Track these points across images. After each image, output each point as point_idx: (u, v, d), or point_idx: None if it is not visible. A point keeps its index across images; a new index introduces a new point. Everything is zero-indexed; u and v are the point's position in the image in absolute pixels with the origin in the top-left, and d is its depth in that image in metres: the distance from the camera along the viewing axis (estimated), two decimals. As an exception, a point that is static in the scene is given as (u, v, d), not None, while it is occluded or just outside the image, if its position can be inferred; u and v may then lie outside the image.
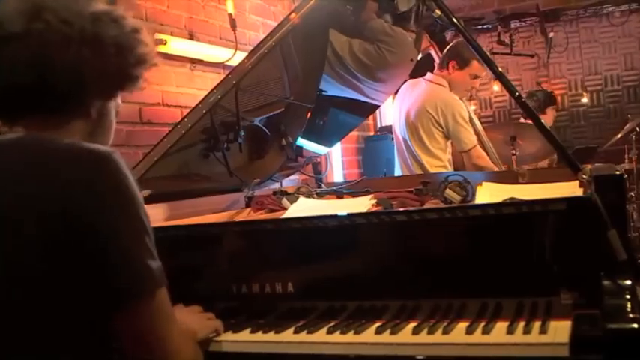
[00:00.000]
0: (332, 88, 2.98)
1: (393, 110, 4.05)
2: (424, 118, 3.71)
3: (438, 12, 2.29)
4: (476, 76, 3.82)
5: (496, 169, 3.65)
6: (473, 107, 3.96)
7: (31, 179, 1.19)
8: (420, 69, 3.81)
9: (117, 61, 1.31)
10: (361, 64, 2.94)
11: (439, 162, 3.72)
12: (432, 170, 3.65)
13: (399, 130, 3.90)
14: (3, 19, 1.25)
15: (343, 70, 2.94)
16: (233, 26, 3.84)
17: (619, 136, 5.13)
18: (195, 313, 1.64)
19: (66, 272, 1.17)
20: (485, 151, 3.80)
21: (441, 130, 3.69)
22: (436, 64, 3.94)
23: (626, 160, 4.91)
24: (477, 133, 3.80)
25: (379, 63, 2.96)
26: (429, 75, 3.89)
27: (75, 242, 1.16)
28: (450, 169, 3.73)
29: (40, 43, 1.24)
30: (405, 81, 3.89)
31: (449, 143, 3.77)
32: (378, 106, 3.88)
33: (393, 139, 5.20)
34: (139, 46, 1.36)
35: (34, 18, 1.24)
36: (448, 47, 3.89)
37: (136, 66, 1.36)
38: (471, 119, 3.76)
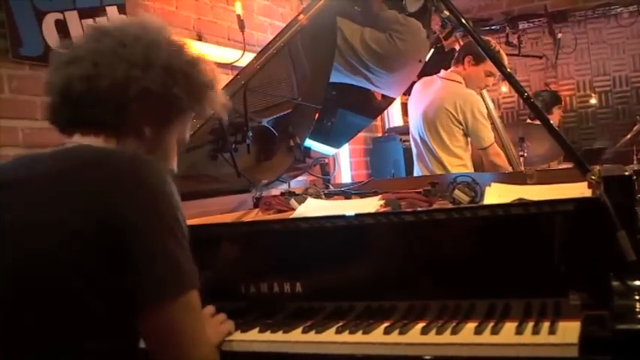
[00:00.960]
0: (342, 77, 2.97)
1: (409, 110, 4.01)
2: (443, 117, 3.67)
3: (447, 12, 2.29)
4: (490, 74, 3.77)
5: (510, 170, 3.63)
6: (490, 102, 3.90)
7: (76, 180, 1.25)
8: (433, 66, 3.79)
9: (164, 82, 1.36)
10: (372, 52, 2.93)
11: (460, 160, 3.68)
12: (453, 169, 3.61)
13: (417, 131, 3.85)
14: (74, 44, 1.39)
15: (354, 58, 2.92)
16: (241, 27, 3.85)
17: (628, 137, 5.11)
18: (208, 318, 1.63)
19: (101, 267, 1.20)
20: (504, 148, 3.77)
21: (461, 127, 3.65)
22: None
23: (635, 161, 4.88)
24: (496, 130, 3.78)
25: (390, 51, 2.94)
26: (442, 72, 3.85)
27: (113, 238, 1.19)
28: (471, 168, 3.71)
29: (93, 61, 1.33)
30: (415, 82, 3.87)
31: (469, 140, 3.73)
32: (386, 107, 3.88)
33: (401, 140, 5.23)
34: (193, 74, 1.41)
35: (95, 41, 1.36)
36: (464, 43, 3.87)
37: (187, 92, 1.40)
38: (490, 114, 3.73)
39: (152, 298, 1.23)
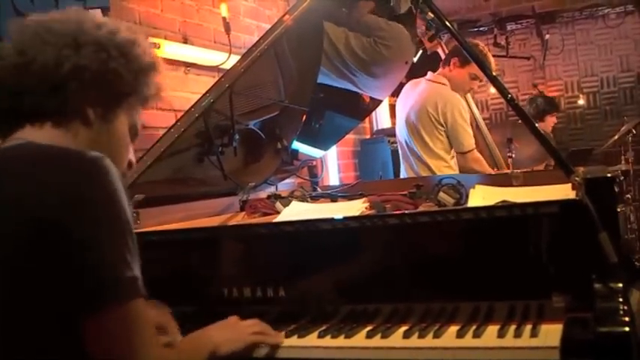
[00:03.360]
0: (327, 79, 2.96)
1: (396, 113, 4.01)
2: (425, 118, 3.67)
3: (431, 15, 2.29)
4: (476, 77, 3.76)
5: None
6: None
7: (16, 182, 1.19)
8: (422, 68, 3.79)
9: (98, 58, 1.30)
10: (357, 58, 2.92)
11: (443, 162, 3.67)
12: (438, 171, 3.61)
13: (402, 133, 3.86)
14: None
15: (339, 62, 2.92)
16: (227, 30, 3.83)
17: (615, 137, 5.13)
18: (225, 327, 1.56)
19: (41, 274, 1.15)
20: (489, 149, 3.77)
21: (442, 129, 3.65)
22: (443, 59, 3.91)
23: (623, 162, 4.91)
24: (480, 130, 3.78)
25: (374, 57, 2.94)
26: (429, 75, 3.85)
27: (52, 244, 1.14)
28: (456, 170, 3.71)
29: (19, 50, 1.28)
30: (404, 83, 3.87)
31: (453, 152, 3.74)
32: (374, 109, 3.87)
33: (389, 141, 5.23)
34: (131, 51, 1.35)
35: (19, 33, 1.31)
36: (454, 45, 3.87)
37: (127, 69, 1.35)
38: (474, 117, 3.73)
39: (86, 307, 1.16)
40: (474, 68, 3.69)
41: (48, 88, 1.28)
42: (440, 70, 3.85)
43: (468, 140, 3.64)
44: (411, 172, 3.82)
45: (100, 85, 1.32)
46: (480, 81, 3.88)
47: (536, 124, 1.98)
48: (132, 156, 1.47)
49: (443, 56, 3.90)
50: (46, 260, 1.14)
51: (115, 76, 1.33)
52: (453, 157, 3.73)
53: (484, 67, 2.07)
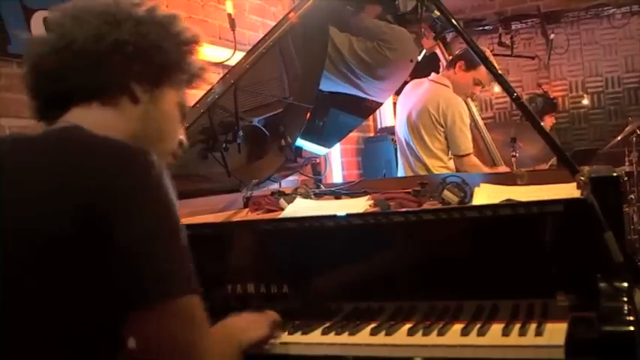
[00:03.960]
0: (332, 85, 2.97)
1: (397, 111, 4.03)
2: (425, 118, 3.69)
3: (437, 12, 2.28)
4: (479, 82, 3.79)
5: None
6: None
7: (60, 172, 1.14)
8: (426, 68, 3.80)
9: (139, 32, 1.29)
10: (362, 62, 2.92)
11: (441, 162, 3.70)
12: (435, 171, 3.63)
13: (402, 131, 3.88)
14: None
15: (344, 67, 2.92)
16: (232, 26, 3.83)
17: (619, 138, 5.11)
18: (244, 319, 1.53)
19: (84, 269, 1.11)
20: (488, 151, 3.77)
21: (442, 129, 3.67)
22: (441, 64, 3.92)
23: (627, 162, 4.89)
24: (480, 132, 3.78)
25: (380, 61, 2.95)
26: (433, 75, 3.87)
27: (97, 238, 1.10)
28: (453, 170, 3.71)
29: (58, 34, 1.27)
30: (407, 82, 3.88)
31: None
32: (378, 107, 3.87)
33: (393, 140, 5.23)
34: (172, 25, 1.34)
35: (55, 20, 1.30)
36: (461, 49, 3.89)
37: (170, 43, 1.33)
38: (473, 118, 3.74)
39: (138, 303, 1.12)
40: (478, 73, 3.73)
41: (90, 65, 1.26)
42: (444, 71, 3.87)
43: (466, 144, 3.65)
44: (408, 169, 3.84)
45: (143, 58, 1.30)
46: (483, 87, 3.90)
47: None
48: (182, 135, 1.45)
49: (441, 57, 3.92)
50: (91, 251, 1.10)
51: (158, 50, 1.31)
52: (450, 158, 3.74)
53: (489, 64, 2.06)
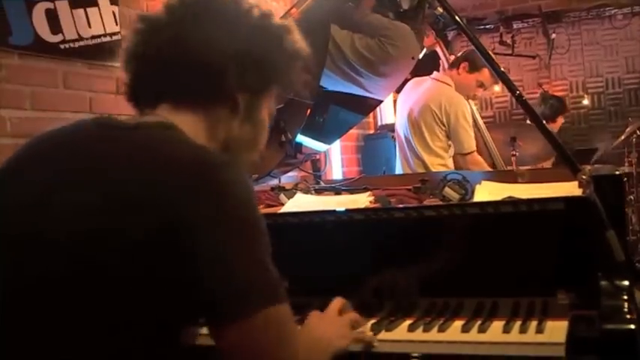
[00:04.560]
0: (334, 83, 2.96)
1: (397, 108, 4.03)
2: (427, 116, 3.69)
3: (440, 9, 2.28)
4: (482, 85, 3.81)
5: None
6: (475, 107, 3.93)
7: (146, 177, 1.10)
8: (426, 66, 3.80)
9: (259, 43, 1.27)
10: (364, 59, 2.92)
11: (441, 160, 3.70)
12: (434, 168, 3.63)
13: (402, 128, 3.88)
14: (152, 15, 1.29)
15: (345, 64, 2.91)
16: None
17: (620, 139, 5.12)
18: (333, 322, 1.49)
19: (164, 285, 1.07)
20: (488, 151, 3.78)
21: (443, 128, 3.67)
22: (442, 62, 3.92)
23: (627, 163, 4.89)
24: (480, 132, 3.78)
25: (382, 57, 2.94)
26: (435, 73, 3.87)
27: (179, 251, 1.05)
28: (452, 168, 3.72)
29: (179, 24, 1.24)
30: (408, 80, 3.88)
31: (451, 142, 3.75)
32: (379, 104, 3.86)
33: (393, 137, 5.22)
34: (286, 38, 1.31)
35: (173, 9, 1.27)
36: (466, 50, 3.89)
37: (281, 56, 1.30)
38: (474, 118, 3.74)
39: (227, 316, 1.08)
40: (481, 75, 3.75)
41: (205, 69, 1.23)
42: (447, 71, 3.87)
43: (469, 142, 3.65)
44: (406, 166, 3.85)
45: (255, 71, 1.27)
46: (485, 89, 3.90)
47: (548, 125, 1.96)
48: (263, 145, 1.43)
49: (441, 56, 3.92)
50: (173, 268, 1.06)
51: (271, 63, 1.29)
52: (450, 156, 3.74)
53: (492, 62, 2.05)
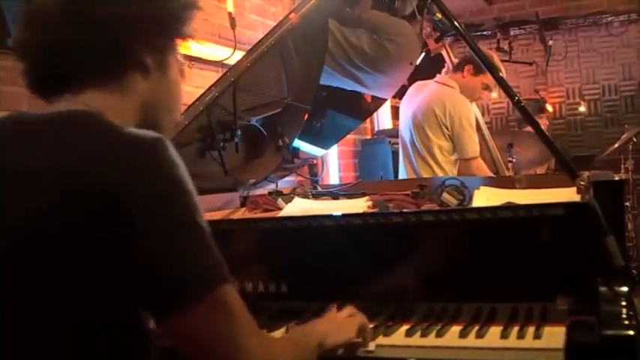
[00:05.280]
0: (332, 79, 2.96)
1: (400, 111, 4.01)
2: (431, 119, 3.66)
3: (439, 15, 2.28)
4: (487, 87, 3.77)
5: None
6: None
7: (73, 168, 1.05)
8: (425, 71, 3.78)
9: (159, 3, 1.23)
10: (363, 54, 2.91)
11: (446, 158, 3.67)
12: (442, 165, 3.62)
13: (406, 131, 3.85)
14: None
15: (344, 60, 2.91)
16: (233, 25, 3.82)
17: (616, 145, 5.13)
18: (330, 321, 1.47)
19: (99, 269, 1.04)
20: (491, 155, 3.76)
21: (447, 131, 3.64)
22: (446, 65, 3.91)
23: (623, 170, 4.91)
24: (483, 136, 3.77)
25: (381, 53, 2.94)
26: (438, 77, 3.84)
27: (119, 237, 1.02)
28: (456, 169, 3.70)
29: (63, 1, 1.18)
30: (405, 86, 3.87)
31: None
32: (376, 109, 3.86)
33: (390, 142, 5.23)
34: None
35: None
36: (469, 52, 3.86)
37: (181, 8, 1.27)
38: (477, 122, 3.73)
39: (171, 305, 1.05)
40: (487, 78, 3.69)
41: (103, 39, 1.18)
42: (451, 74, 3.84)
43: (473, 147, 3.61)
44: (410, 170, 3.81)
45: (157, 26, 1.23)
46: (490, 91, 3.88)
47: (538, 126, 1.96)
48: (180, 108, 1.41)
49: (447, 58, 3.90)
50: (110, 250, 1.03)
51: (169, 16, 1.25)
52: (456, 159, 3.72)
53: (492, 68, 2.06)
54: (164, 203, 1.05)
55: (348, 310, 1.51)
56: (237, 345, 1.10)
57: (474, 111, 3.72)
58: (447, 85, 3.75)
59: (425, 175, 3.63)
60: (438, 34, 3.39)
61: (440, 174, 3.57)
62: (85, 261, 1.03)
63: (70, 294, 1.04)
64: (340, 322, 1.46)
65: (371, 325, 1.56)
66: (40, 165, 1.07)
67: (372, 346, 1.47)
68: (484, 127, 3.87)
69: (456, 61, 3.89)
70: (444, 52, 3.87)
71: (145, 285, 1.05)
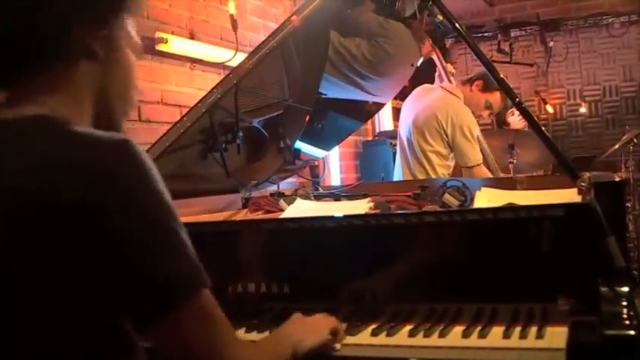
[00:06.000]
0: (335, 88, 2.97)
1: (402, 112, 4.04)
2: (432, 123, 3.71)
3: (440, 17, 2.29)
4: (490, 106, 3.85)
5: None
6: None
7: (41, 175, 1.00)
8: (424, 75, 3.81)
9: None
10: (364, 60, 2.93)
11: (440, 162, 3.71)
12: (436, 168, 3.66)
13: (405, 132, 3.89)
14: None
15: (347, 69, 2.93)
16: (234, 27, 3.83)
17: (616, 146, 5.14)
18: (302, 324, 1.48)
19: (74, 274, 1.00)
20: (488, 166, 3.78)
21: (446, 138, 3.69)
22: (437, 70, 3.93)
23: (623, 171, 4.92)
24: (480, 146, 3.79)
25: (381, 56, 2.95)
26: (446, 84, 3.89)
27: (87, 244, 0.98)
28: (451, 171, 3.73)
29: None
30: (411, 85, 3.89)
31: (452, 155, 3.76)
32: (377, 111, 3.88)
33: (391, 143, 5.24)
34: None
35: None
36: (482, 70, 3.90)
37: None
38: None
39: (152, 312, 1.02)
40: (492, 96, 3.82)
41: (41, 26, 1.09)
42: (459, 85, 3.91)
43: (474, 155, 3.65)
44: (406, 169, 3.86)
45: (88, 7, 1.13)
46: (491, 112, 3.92)
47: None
48: (135, 91, 1.28)
49: (437, 64, 3.93)
50: (82, 254, 0.99)
51: None
52: (451, 163, 3.74)
53: (492, 69, 2.06)
54: (136, 210, 1.01)
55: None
56: (219, 350, 1.09)
57: (475, 121, 3.75)
58: (453, 94, 3.80)
59: (420, 176, 3.67)
60: (431, 40, 3.41)
61: (434, 177, 3.60)
62: (60, 271, 0.99)
63: (47, 306, 1.01)
64: (311, 325, 1.47)
65: (374, 326, 1.57)
66: (5, 169, 1.01)
67: (338, 346, 1.49)
68: (481, 137, 3.89)
69: (447, 66, 3.93)
70: (434, 57, 3.89)
71: (122, 295, 1.02)
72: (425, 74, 3.84)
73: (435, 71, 3.96)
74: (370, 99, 3.21)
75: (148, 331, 1.05)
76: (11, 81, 1.12)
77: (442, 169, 3.69)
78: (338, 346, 1.49)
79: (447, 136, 3.67)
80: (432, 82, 4.03)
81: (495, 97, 3.80)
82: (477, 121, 3.88)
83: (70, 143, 1.03)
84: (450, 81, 3.84)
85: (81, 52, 1.13)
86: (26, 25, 1.08)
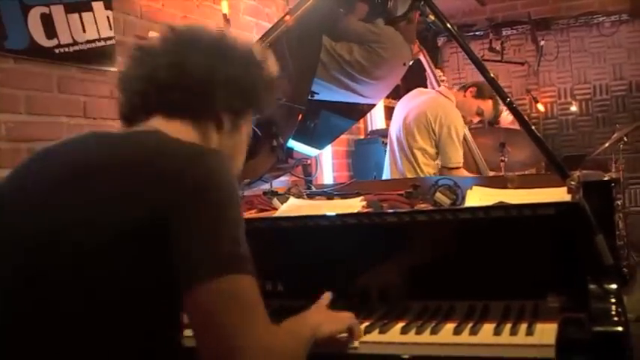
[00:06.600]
0: (331, 94, 2.99)
1: (395, 112, 4.07)
2: (422, 121, 3.75)
3: (432, 17, 2.31)
4: (481, 113, 3.89)
5: None
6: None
7: (138, 170, 1.22)
8: (415, 77, 3.85)
9: (246, 71, 1.42)
10: (358, 65, 2.95)
11: (428, 161, 3.74)
12: (422, 167, 3.70)
13: (395, 130, 3.93)
14: (151, 42, 1.45)
15: (340, 73, 2.95)
16: (227, 26, 3.84)
17: (607, 144, 5.17)
18: (319, 311, 1.53)
19: (153, 258, 1.17)
20: (474, 158, 3.81)
21: (434, 137, 3.73)
22: (426, 68, 3.97)
23: (613, 169, 4.95)
24: (469, 148, 3.82)
25: (374, 60, 2.97)
26: (441, 88, 3.94)
27: (158, 228, 1.15)
28: (439, 169, 3.76)
29: (176, 52, 1.39)
30: (403, 84, 3.91)
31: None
32: (370, 110, 3.90)
33: (383, 142, 5.25)
34: (266, 65, 1.47)
35: (172, 37, 1.43)
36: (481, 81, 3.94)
37: (262, 82, 1.45)
38: (465, 137, 3.79)
39: (195, 275, 1.13)
40: (484, 104, 3.86)
41: (199, 90, 1.37)
42: (453, 88, 3.98)
43: (456, 157, 3.70)
44: (394, 167, 3.90)
45: (240, 94, 1.42)
46: (482, 119, 3.95)
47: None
48: (243, 161, 1.57)
49: (425, 65, 3.97)
50: (159, 239, 1.15)
51: (254, 89, 1.44)
52: (437, 162, 3.78)
53: (483, 68, 2.08)
54: (207, 195, 1.19)
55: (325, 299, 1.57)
56: (243, 335, 1.13)
57: (464, 125, 3.78)
58: (446, 97, 3.85)
59: (408, 174, 3.70)
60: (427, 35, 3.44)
61: (421, 176, 3.63)
62: (144, 250, 1.16)
63: (122, 288, 1.16)
64: (331, 314, 1.51)
65: (367, 323, 1.59)
66: (114, 173, 1.23)
67: (356, 343, 1.50)
68: (471, 139, 3.92)
69: (439, 72, 3.99)
70: (422, 58, 3.93)
71: (177, 261, 1.15)
72: (416, 77, 3.87)
73: (425, 77, 4.01)
74: (363, 101, 3.23)
75: (190, 293, 1.14)
76: (144, 116, 1.39)
77: (428, 168, 3.73)
78: (356, 343, 1.50)
79: (434, 134, 3.71)
80: (424, 86, 4.08)
81: (487, 105, 3.85)
82: (468, 126, 3.92)
83: (165, 147, 1.27)
84: (438, 84, 3.89)
85: (211, 118, 1.41)
86: (183, 86, 1.37)
